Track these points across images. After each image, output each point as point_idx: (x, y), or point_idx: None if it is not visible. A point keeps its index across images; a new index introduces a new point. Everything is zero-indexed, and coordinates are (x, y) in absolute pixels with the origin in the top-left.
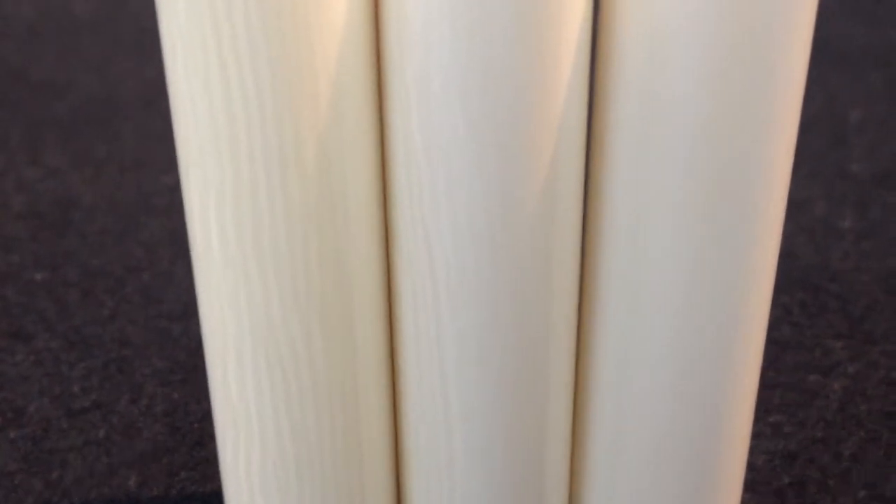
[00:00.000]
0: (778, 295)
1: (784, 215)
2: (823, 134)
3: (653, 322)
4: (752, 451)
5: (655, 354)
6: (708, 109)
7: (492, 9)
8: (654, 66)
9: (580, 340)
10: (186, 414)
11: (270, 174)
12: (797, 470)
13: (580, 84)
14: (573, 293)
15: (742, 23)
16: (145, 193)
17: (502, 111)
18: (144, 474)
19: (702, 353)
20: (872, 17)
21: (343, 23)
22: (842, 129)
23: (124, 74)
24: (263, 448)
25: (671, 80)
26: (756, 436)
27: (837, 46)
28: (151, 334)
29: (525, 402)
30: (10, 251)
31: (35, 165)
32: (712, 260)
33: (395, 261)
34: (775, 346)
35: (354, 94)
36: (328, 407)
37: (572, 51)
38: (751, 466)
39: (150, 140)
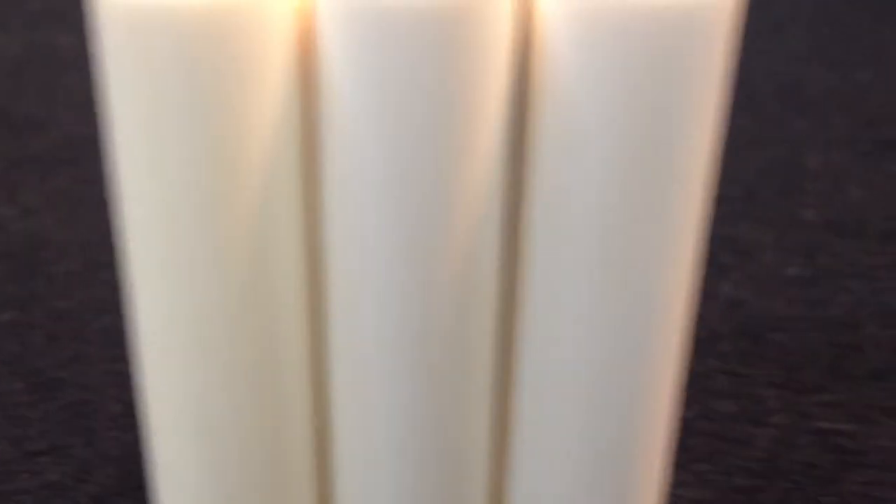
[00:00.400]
0: (717, 343)
1: (690, 291)
2: (779, 180)
3: (564, 400)
4: (677, 499)
5: (569, 417)
6: (616, 202)
7: (415, 110)
8: (568, 165)
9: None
10: (138, 457)
11: (206, 260)
12: None
13: (497, 179)
14: (490, 365)
15: (648, 123)
16: (117, 235)
17: (419, 206)
18: None
19: (613, 401)
20: (841, 61)
21: (274, 120)
22: (798, 176)
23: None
24: None
25: (583, 178)
26: (680, 484)
27: (803, 91)
28: (110, 378)
29: (443, 470)
30: None
31: (10, 204)
32: (620, 329)
33: (325, 335)
34: (708, 395)
35: (284, 187)
36: (260, 473)
37: (489, 150)
38: None
39: None
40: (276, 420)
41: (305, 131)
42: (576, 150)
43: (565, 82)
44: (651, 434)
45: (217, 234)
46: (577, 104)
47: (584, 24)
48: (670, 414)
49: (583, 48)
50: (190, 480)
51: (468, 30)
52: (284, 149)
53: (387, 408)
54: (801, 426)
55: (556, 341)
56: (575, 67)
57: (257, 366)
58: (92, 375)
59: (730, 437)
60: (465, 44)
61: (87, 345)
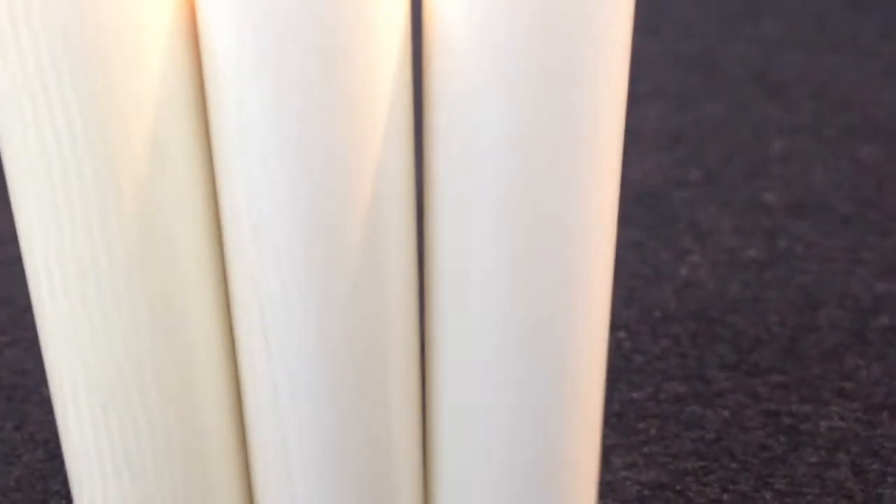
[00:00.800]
0: (670, 325)
1: (611, 254)
2: (743, 164)
3: (482, 362)
4: (624, 481)
5: (490, 399)
6: (517, 170)
7: (302, 66)
8: (466, 118)
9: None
10: None
11: (91, 227)
12: (663, 501)
13: (400, 134)
14: (408, 333)
15: (547, 85)
16: None
17: (318, 167)
18: (16, 500)
19: (532, 390)
20: (813, 45)
21: (160, 83)
22: (763, 159)
23: None
24: (105, 489)
25: (483, 142)
26: (629, 466)
27: (773, 76)
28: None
29: (364, 446)
30: None
31: None
32: (532, 294)
33: (231, 311)
34: (658, 376)
35: (176, 149)
36: (166, 450)
37: (388, 101)
38: (621, 497)
39: None
40: (188, 397)
41: (195, 100)
42: (472, 108)
43: (458, 49)
44: (577, 422)
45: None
46: (470, 67)
47: None
48: (597, 397)
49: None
50: (97, 461)
51: None
52: (175, 115)
53: (310, 401)
54: (751, 408)
55: (469, 326)
56: (466, 29)
57: (161, 339)
58: (27, 360)
59: (680, 419)
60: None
61: (25, 330)
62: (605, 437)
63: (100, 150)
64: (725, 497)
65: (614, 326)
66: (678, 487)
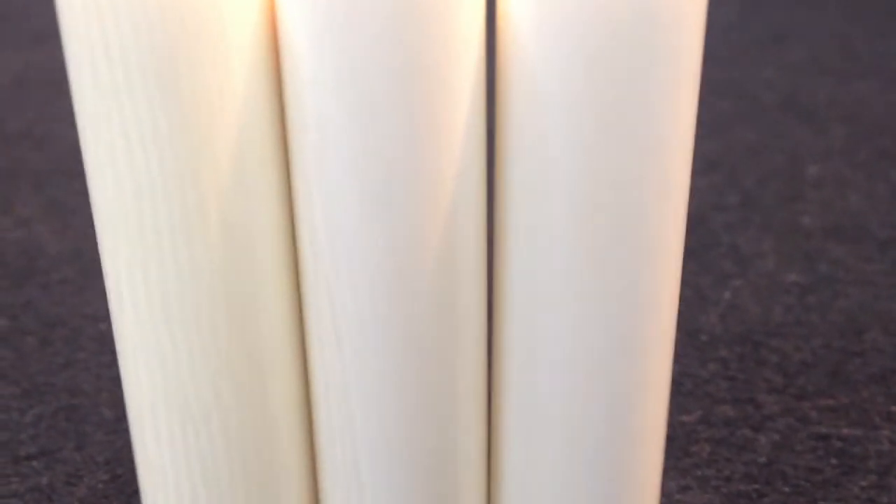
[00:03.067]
0: (717, 349)
1: (679, 269)
2: (780, 188)
3: (550, 377)
4: None
5: (556, 410)
6: (592, 180)
7: (383, 95)
8: (540, 140)
9: (490, 394)
10: (128, 462)
11: (175, 240)
12: None
13: (474, 156)
14: (478, 349)
15: (619, 101)
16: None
17: (396, 185)
18: None
19: (602, 398)
20: (842, 72)
21: (243, 102)
22: (799, 184)
23: None
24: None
25: (556, 155)
26: (683, 489)
27: (804, 101)
28: (102, 383)
29: (433, 454)
30: None
31: (5, 215)
32: (605, 316)
33: (305, 325)
34: (708, 400)
35: (257, 167)
36: (242, 464)
37: (463, 120)
38: None
39: None
40: (262, 410)
41: (275, 113)
42: (547, 130)
43: (532, 66)
44: (642, 436)
45: (189, 216)
46: (546, 83)
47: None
48: (661, 414)
49: (546, 25)
50: (173, 476)
51: (434, 5)
52: (256, 128)
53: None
54: (801, 431)
55: (538, 337)
56: (540, 44)
57: (238, 350)
58: (83, 381)
59: (731, 443)
60: (432, 19)
61: (80, 351)
62: None
63: (185, 161)
64: None
65: None
66: None
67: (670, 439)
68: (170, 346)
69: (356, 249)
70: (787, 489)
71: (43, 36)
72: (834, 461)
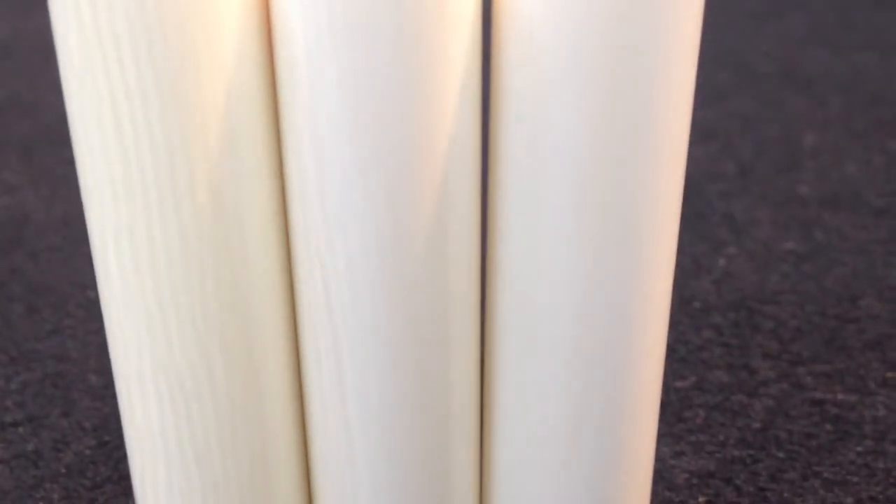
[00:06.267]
0: (711, 316)
1: (675, 237)
2: (776, 157)
3: (546, 347)
4: (672, 469)
5: (550, 379)
6: (590, 146)
7: (376, 52)
8: (539, 106)
9: (483, 363)
10: (115, 428)
11: (164, 207)
12: (712, 489)
13: (469, 120)
14: (472, 319)
15: (619, 66)
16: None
17: (390, 149)
18: (69, 487)
19: (598, 367)
20: (839, 43)
21: (233, 62)
22: (795, 153)
23: None
24: (169, 471)
25: (555, 120)
26: (677, 455)
27: (801, 72)
28: (90, 350)
29: (427, 428)
30: None
31: None
32: (602, 282)
33: (296, 289)
34: (703, 366)
35: (247, 129)
36: (231, 432)
37: (459, 85)
38: (669, 485)
39: None
40: (252, 376)
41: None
42: (546, 96)
43: (532, 31)
44: (637, 399)
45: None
46: (545, 50)
47: None
48: (657, 380)
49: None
50: (162, 443)
51: None
52: (247, 95)
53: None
54: (795, 396)
55: (533, 303)
56: (538, 9)
57: (228, 319)
58: (71, 348)
59: (726, 408)
60: None
61: (67, 318)
62: None
63: (173, 125)
64: (774, 486)
65: None
66: (727, 476)
67: (664, 405)
68: (158, 313)
69: (348, 214)
70: (781, 454)
71: (31, 2)
72: (829, 427)
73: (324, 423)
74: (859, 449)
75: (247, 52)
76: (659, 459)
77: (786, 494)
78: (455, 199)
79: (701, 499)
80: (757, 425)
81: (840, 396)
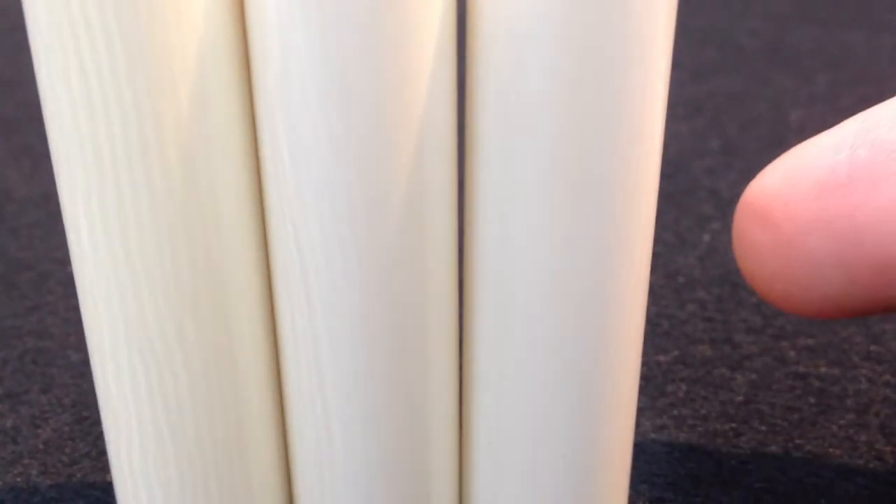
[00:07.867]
0: (695, 291)
1: (654, 206)
2: (762, 134)
3: (524, 320)
4: (654, 443)
5: (528, 352)
6: (566, 108)
7: (347, 13)
8: (514, 68)
9: (462, 338)
10: (94, 405)
11: (133, 171)
12: (693, 463)
13: (444, 85)
14: (449, 291)
15: (597, 27)
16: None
17: (362, 115)
18: (46, 463)
19: (574, 344)
20: (826, 19)
21: (203, 22)
22: (781, 130)
23: None
24: (143, 445)
25: (530, 81)
26: (659, 429)
27: (788, 49)
28: (70, 326)
29: (404, 398)
30: None
31: None
32: (579, 257)
33: (270, 258)
34: (685, 340)
35: (218, 93)
36: (206, 404)
37: (433, 51)
38: (651, 459)
39: None
40: (227, 346)
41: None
42: (521, 66)
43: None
44: (617, 374)
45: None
46: (518, 33)
47: None
48: (636, 356)
49: None
50: (136, 415)
51: None
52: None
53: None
54: (780, 370)
55: (510, 278)
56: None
57: (202, 287)
58: (51, 324)
59: (708, 382)
60: None
61: (48, 294)
62: None
63: (142, 86)
64: (756, 459)
65: None
66: (708, 449)
67: (647, 379)
68: (129, 280)
69: (322, 181)
70: (763, 428)
71: None
72: (812, 400)
73: (298, 387)
74: (842, 422)
75: (218, 12)
76: (640, 433)
77: (768, 468)
78: (430, 163)
79: (682, 472)
80: (739, 398)
81: (823, 370)
